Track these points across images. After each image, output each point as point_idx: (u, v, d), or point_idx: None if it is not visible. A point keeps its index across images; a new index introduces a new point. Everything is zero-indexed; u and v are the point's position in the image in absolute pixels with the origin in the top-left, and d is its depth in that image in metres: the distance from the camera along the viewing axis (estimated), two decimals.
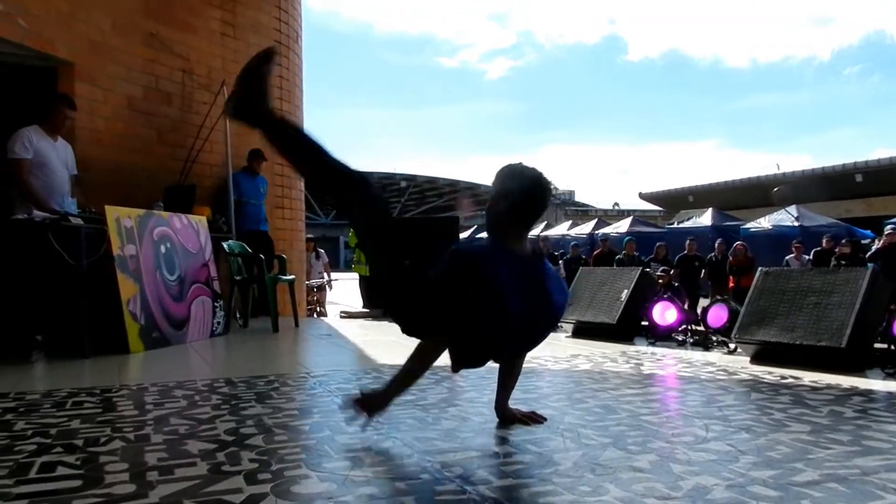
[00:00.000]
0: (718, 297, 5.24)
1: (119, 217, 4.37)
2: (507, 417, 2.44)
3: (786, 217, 15.13)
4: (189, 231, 5.15)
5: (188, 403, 2.77)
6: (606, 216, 30.68)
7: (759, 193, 22.62)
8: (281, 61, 7.51)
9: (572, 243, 13.33)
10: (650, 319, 4.88)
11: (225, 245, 5.72)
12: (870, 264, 8.55)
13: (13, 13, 4.81)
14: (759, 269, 4.15)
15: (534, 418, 2.43)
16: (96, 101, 5.56)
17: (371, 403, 2.25)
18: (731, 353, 4.26)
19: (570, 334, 5.31)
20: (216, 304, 5.26)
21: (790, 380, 3.32)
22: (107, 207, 4.29)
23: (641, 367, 3.77)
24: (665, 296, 4.95)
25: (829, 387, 3.12)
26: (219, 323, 5.28)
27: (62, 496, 1.65)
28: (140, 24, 5.95)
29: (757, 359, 3.86)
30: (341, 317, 8.48)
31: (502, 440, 2.22)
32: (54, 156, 4.54)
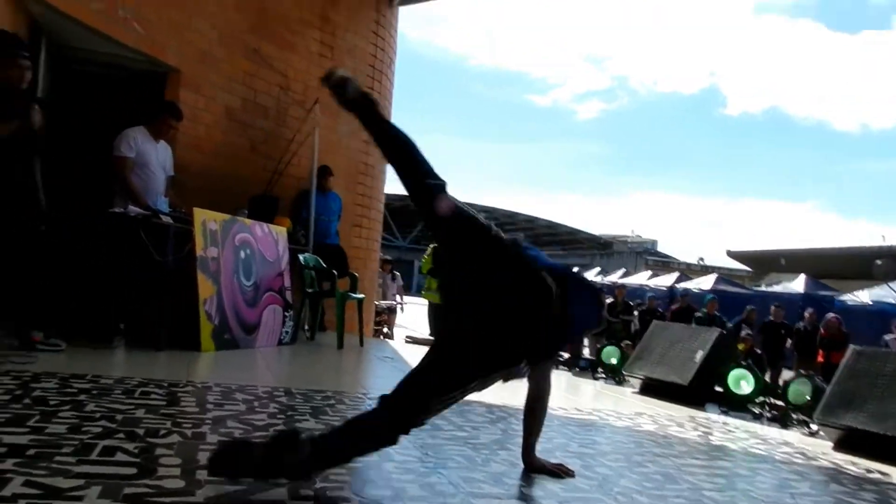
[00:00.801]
0: (802, 371, 4.90)
1: (205, 220, 4.55)
2: (534, 467, 2.33)
3: (888, 293, 14.12)
4: (269, 240, 5.30)
5: (247, 408, 2.80)
6: (689, 270, 29.67)
7: (858, 264, 21.26)
8: (374, 85, 7.71)
9: (649, 295, 12.91)
10: (725, 386, 4.61)
11: (301, 257, 5.84)
12: None
13: (130, 17, 5.12)
14: (852, 346, 3.85)
15: (563, 470, 2.32)
16: (199, 108, 5.83)
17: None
18: (811, 434, 3.96)
19: (636, 390, 5.09)
20: (286, 313, 5.37)
21: (877, 475, 3.03)
22: (195, 210, 4.46)
23: (710, 437, 3.55)
24: (744, 363, 4.67)
25: None
26: (287, 332, 5.38)
27: (116, 481, 1.69)
28: (244, 39, 6.23)
29: (841, 445, 3.55)
30: (406, 341, 8.49)
31: (551, 494, 2.11)
32: (154, 157, 4.79)
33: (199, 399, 2.91)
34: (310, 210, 6.45)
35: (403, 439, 2.08)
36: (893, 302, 13.60)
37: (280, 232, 5.52)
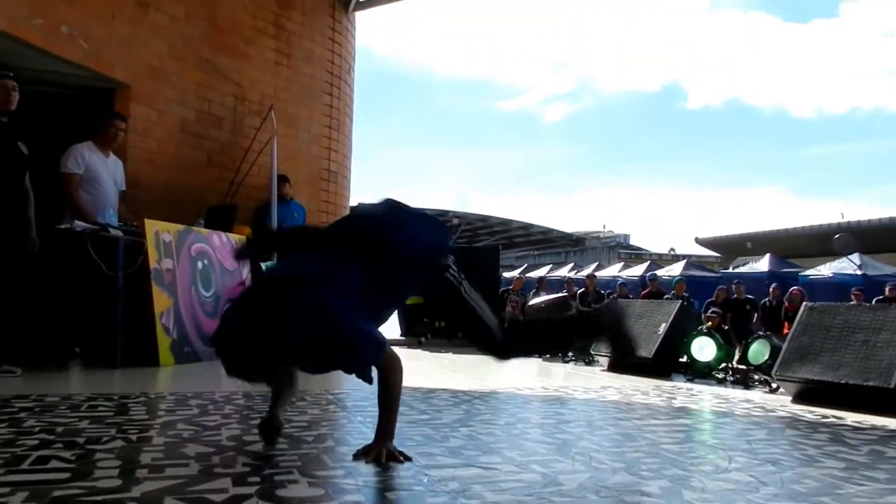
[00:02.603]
0: (760, 333, 4.98)
1: (158, 231, 4.48)
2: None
3: (848, 265, 14.46)
4: (227, 249, 5.24)
5: (199, 412, 2.75)
6: (661, 260, 29.97)
7: (820, 242, 21.73)
8: (333, 91, 7.71)
9: (620, 282, 13.03)
10: (689, 355, 4.66)
11: (263, 265, 5.78)
12: None
13: (76, 34, 5.06)
14: (805, 303, 3.93)
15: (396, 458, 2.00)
16: (151, 122, 5.77)
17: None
18: (772, 391, 4.02)
19: (605, 368, 5.12)
20: None
21: (831, 419, 3.09)
22: (146, 221, 4.40)
23: (673, 401, 3.58)
24: (705, 332, 4.73)
25: (873, 427, 2.88)
26: None
27: (45, 486, 1.63)
28: (196, 51, 6.19)
29: (799, 398, 3.62)
30: None
31: (508, 459, 2.11)
32: (104, 171, 4.71)
33: (149, 408, 2.86)
34: (272, 217, 6.39)
35: (360, 423, 2.08)
36: (852, 273, 13.93)
37: (240, 241, 5.46)
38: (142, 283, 4.30)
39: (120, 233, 4.25)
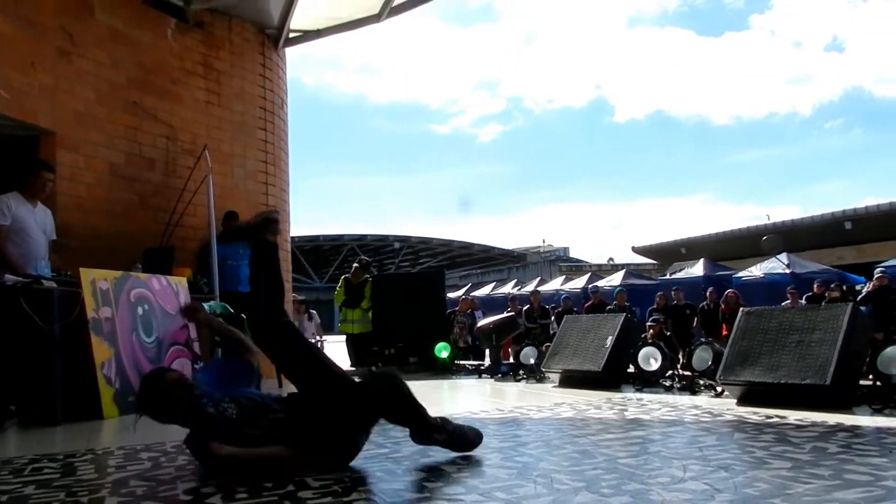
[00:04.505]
0: (703, 340, 5.16)
1: (94, 279, 4.33)
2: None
3: (777, 265, 15.12)
4: (168, 292, 5.10)
5: (152, 465, 2.67)
6: (601, 271, 30.66)
7: (749, 244, 22.71)
8: (267, 126, 7.65)
9: (563, 296, 13.28)
10: (636, 366, 4.79)
11: (206, 306, 5.64)
12: (862, 308, 8.48)
13: None
14: (742, 309, 4.11)
15: None
16: (78, 167, 5.60)
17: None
18: (718, 395, 4.17)
19: (556, 384, 5.20)
20: (196, 365, 5.16)
21: (775, 419, 3.23)
22: (81, 270, 4.25)
23: (625, 413, 3.68)
24: (650, 342, 4.87)
25: (814, 424, 3.03)
26: None
27: None
28: (124, 95, 6.06)
29: (743, 400, 3.76)
30: None
31: (472, 488, 2.13)
32: (33, 221, 4.53)
33: (98, 465, 2.75)
34: (213, 257, 6.26)
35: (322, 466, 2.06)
36: (781, 272, 14.59)
37: (180, 282, 5.33)
38: (79, 335, 4.13)
39: (54, 284, 4.09)
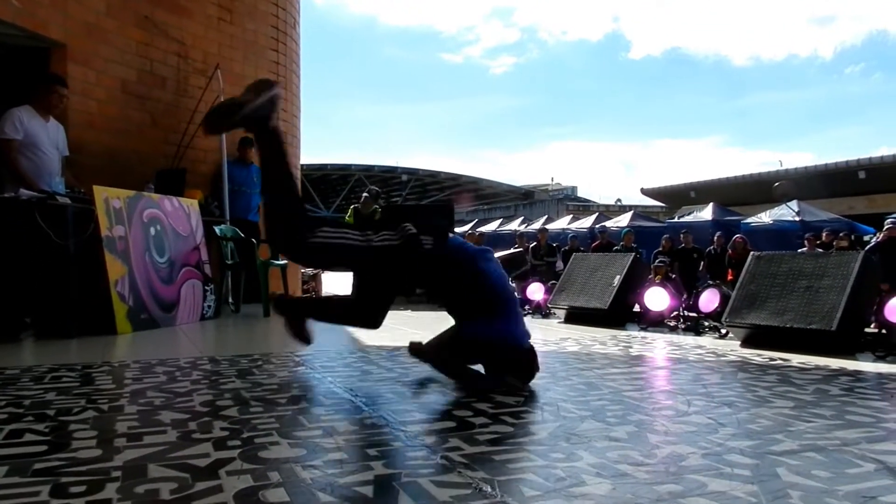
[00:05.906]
0: (710, 282, 5.19)
1: (108, 197, 4.34)
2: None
3: (787, 212, 15.05)
4: (180, 214, 5.12)
5: (167, 378, 2.74)
6: (608, 211, 30.60)
7: (761, 190, 22.55)
8: (279, 47, 7.49)
9: (571, 235, 13.28)
10: (642, 305, 4.84)
11: (217, 229, 5.68)
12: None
13: None
14: (752, 252, 4.11)
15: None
16: (89, 83, 5.52)
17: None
18: (722, 337, 4.23)
19: (562, 320, 5.27)
20: (207, 287, 5.24)
21: (778, 361, 3.29)
22: (95, 188, 4.25)
23: (630, 350, 3.74)
24: (657, 282, 4.90)
25: (817, 368, 3.08)
26: (209, 307, 5.25)
27: (24, 460, 1.62)
28: (134, 7, 5.92)
29: (747, 342, 3.82)
30: None
31: (480, 412, 2.18)
32: (45, 136, 4.51)
33: (115, 376, 2.82)
34: (224, 182, 6.25)
35: (332, 384, 2.10)
36: (791, 219, 14.52)
37: (192, 205, 5.35)
38: (93, 252, 4.18)
39: (68, 200, 4.11)
